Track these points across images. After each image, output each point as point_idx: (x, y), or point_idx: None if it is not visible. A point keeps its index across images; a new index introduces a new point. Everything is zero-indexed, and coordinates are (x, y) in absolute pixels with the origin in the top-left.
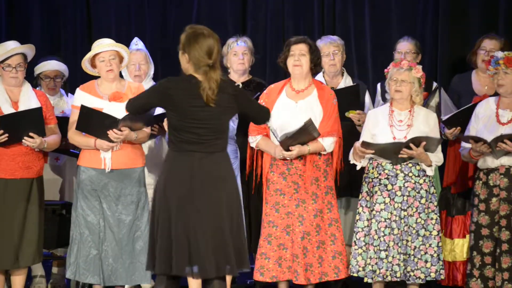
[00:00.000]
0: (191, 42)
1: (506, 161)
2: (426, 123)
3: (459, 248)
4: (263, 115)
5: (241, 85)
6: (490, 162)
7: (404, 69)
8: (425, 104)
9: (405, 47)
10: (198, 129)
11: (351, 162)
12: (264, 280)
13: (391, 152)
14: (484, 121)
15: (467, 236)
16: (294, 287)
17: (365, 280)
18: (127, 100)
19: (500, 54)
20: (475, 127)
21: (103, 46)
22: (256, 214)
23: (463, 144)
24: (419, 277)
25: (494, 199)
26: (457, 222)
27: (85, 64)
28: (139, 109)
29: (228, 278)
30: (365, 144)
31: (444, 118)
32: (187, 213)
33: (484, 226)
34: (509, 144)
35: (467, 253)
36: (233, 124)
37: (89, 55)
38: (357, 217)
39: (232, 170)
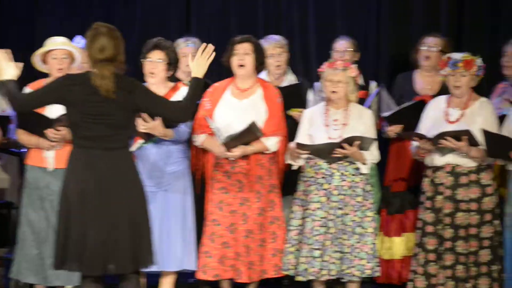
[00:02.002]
0: (88, 39)
1: (451, 159)
2: (361, 121)
3: (396, 246)
4: (175, 114)
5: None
6: (437, 160)
7: (340, 69)
8: (367, 105)
9: (343, 45)
10: (95, 125)
11: (287, 162)
12: (207, 278)
13: (325, 152)
14: (433, 120)
15: (404, 234)
16: (238, 286)
17: (297, 278)
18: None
19: (457, 56)
20: (424, 125)
21: (57, 44)
22: (200, 212)
23: (413, 142)
24: (355, 275)
25: (439, 197)
26: (395, 221)
27: (36, 58)
28: (34, 107)
29: (173, 277)
30: (299, 146)
31: (385, 114)
32: (84, 210)
33: (429, 224)
34: (451, 141)
35: (404, 251)
36: (186, 127)
37: (42, 50)
38: (291, 215)
39: (133, 168)
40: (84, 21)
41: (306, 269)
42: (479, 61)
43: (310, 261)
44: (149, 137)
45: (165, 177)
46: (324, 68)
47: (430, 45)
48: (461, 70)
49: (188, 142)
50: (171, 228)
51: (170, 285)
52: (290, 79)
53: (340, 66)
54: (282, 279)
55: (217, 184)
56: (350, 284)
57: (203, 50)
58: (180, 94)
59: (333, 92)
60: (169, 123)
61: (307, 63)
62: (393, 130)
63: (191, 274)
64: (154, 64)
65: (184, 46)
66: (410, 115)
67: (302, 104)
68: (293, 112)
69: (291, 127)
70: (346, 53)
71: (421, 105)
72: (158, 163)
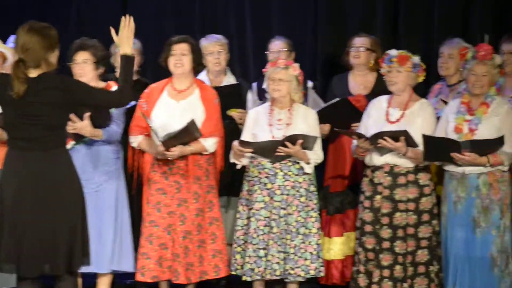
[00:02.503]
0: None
1: (390, 159)
2: (305, 121)
3: (337, 246)
4: (116, 99)
5: None
6: (376, 160)
7: (281, 67)
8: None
9: (277, 46)
10: (30, 126)
11: (231, 161)
12: (145, 280)
13: (268, 150)
14: (375, 119)
15: (345, 234)
16: (177, 286)
17: (243, 278)
18: None
19: (394, 52)
20: (365, 124)
21: None
22: (138, 214)
23: (354, 141)
24: (299, 275)
25: (377, 197)
26: (335, 221)
27: None
28: None
29: (108, 278)
30: (243, 143)
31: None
32: (20, 212)
33: (368, 223)
34: (388, 141)
35: (346, 250)
36: (117, 127)
37: None
38: (237, 215)
39: (71, 168)
40: (19, 21)
41: (252, 269)
42: (415, 58)
43: (255, 261)
44: (79, 138)
45: (97, 178)
46: (268, 68)
47: (357, 46)
48: (396, 66)
49: (122, 143)
50: (103, 229)
51: (106, 286)
52: (229, 79)
53: (282, 65)
54: (220, 279)
55: (155, 185)
56: (290, 285)
57: (125, 24)
58: None
59: (275, 90)
60: (98, 124)
61: (244, 64)
62: (320, 129)
63: (130, 275)
64: (80, 66)
65: None
66: (336, 113)
67: (242, 105)
68: (233, 113)
69: (231, 127)
70: (281, 53)
71: (344, 103)
72: (89, 164)
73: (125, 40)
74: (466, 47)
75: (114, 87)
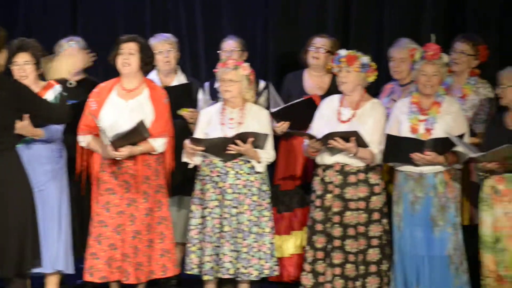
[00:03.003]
0: None
1: (341, 158)
2: (257, 120)
3: (285, 244)
4: (56, 115)
5: (75, 84)
6: (327, 159)
7: (231, 68)
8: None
9: (230, 45)
10: None
11: (183, 160)
12: (93, 280)
13: (219, 148)
14: (326, 119)
15: (293, 232)
16: (128, 286)
17: (205, 278)
18: None
19: (343, 52)
20: (317, 123)
21: None
22: (88, 214)
23: (305, 140)
24: (252, 274)
25: (328, 196)
26: (283, 219)
27: None
28: None
29: (56, 278)
30: (194, 141)
31: (273, 111)
32: None
33: (318, 222)
34: (339, 142)
35: (293, 249)
36: (58, 125)
37: None
38: (191, 215)
39: (21, 169)
40: None
41: (212, 267)
42: (364, 58)
43: (214, 259)
44: (20, 138)
45: (39, 177)
46: (218, 68)
47: (317, 46)
48: (344, 65)
49: (64, 142)
50: (47, 229)
51: (54, 286)
52: (180, 78)
53: (231, 65)
54: (170, 279)
55: (104, 185)
56: (241, 284)
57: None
58: (53, 92)
59: (226, 91)
60: (38, 123)
61: (195, 63)
62: (280, 126)
63: (79, 275)
64: (22, 68)
65: (67, 46)
66: (297, 112)
67: (192, 104)
68: (184, 112)
69: (182, 126)
70: (234, 52)
71: (309, 102)
72: (32, 164)
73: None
74: (415, 48)
75: (55, 86)
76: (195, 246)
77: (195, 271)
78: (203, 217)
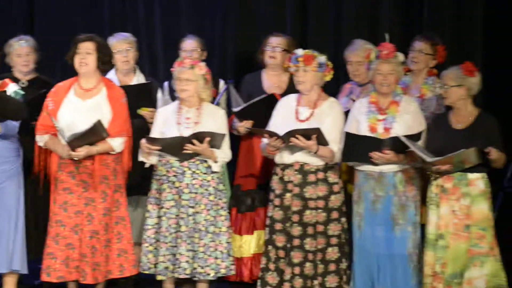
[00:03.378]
0: None
1: (300, 157)
2: (213, 119)
3: (247, 244)
4: (12, 109)
5: (27, 83)
6: (286, 158)
7: (187, 67)
8: (216, 103)
9: (190, 45)
10: None
11: (140, 159)
12: (51, 280)
13: (176, 147)
14: (284, 117)
15: (255, 232)
16: (86, 286)
17: (158, 278)
18: None
19: (299, 52)
20: (275, 123)
21: None
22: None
23: (263, 139)
24: (209, 274)
25: (288, 195)
26: (245, 219)
27: None
28: None
29: (13, 278)
30: (150, 140)
31: (235, 110)
32: None
33: (278, 221)
34: (301, 140)
35: (255, 248)
36: (15, 122)
37: None
38: (147, 214)
39: None
40: None
41: (167, 267)
42: (321, 58)
43: (169, 259)
44: None
45: None
46: (175, 67)
47: (273, 46)
48: (302, 65)
49: (21, 141)
50: (3, 229)
51: (11, 286)
52: (139, 78)
53: (187, 65)
54: (129, 279)
55: (61, 185)
56: (200, 284)
57: None
58: (9, 90)
59: (183, 90)
60: None
61: (154, 62)
62: (243, 125)
63: (36, 275)
64: None
65: (18, 46)
66: (260, 110)
67: (152, 104)
68: (143, 112)
69: (141, 126)
70: (194, 52)
71: (271, 99)
72: None
73: None
74: (371, 49)
75: (11, 84)
76: (152, 245)
77: (151, 271)
78: (159, 217)
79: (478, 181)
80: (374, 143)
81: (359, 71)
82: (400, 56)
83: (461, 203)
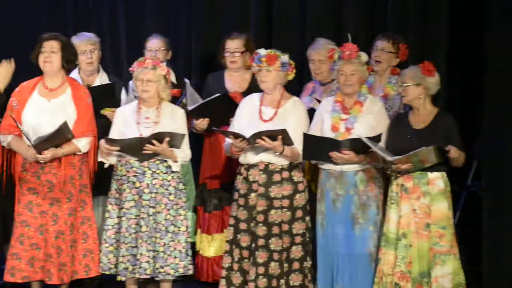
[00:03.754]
0: None
1: (265, 157)
2: (173, 119)
3: (218, 243)
4: None
5: None
6: (250, 158)
7: (149, 68)
8: (179, 102)
9: (155, 44)
10: None
11: (99, 160)
12: (15, 280)
13: (135, 148)
14: (247, 117)
15: (225, 230)
16: (50, 287)
17: (118, 278)
18: None
19: (262, 51)
20: (238, 123)
21: None
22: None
23: (227, 139)
24: (169, 273)
25: (252, 195)
26: (214, 218)
27: None
28: None
29: None
30: (109, 141)
31: (190, 108)
32: None
33: (242, 221)
34: (266, 141)
35: (224, 248)
36: None
37: None
38: (107, 215)
39: None
40: None
41: (126, 268)
42: (284, 57)
43: (129, 260)
44: None
45: None
46: (135, 67)
47: (231, 51)
48: (265, 65)
49: None
50: None
51: None
52: (102, 78)
53: (150, 65)
54: (94, 279)
55: (26, 185)
56: (163, 284)
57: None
58: None
59: (144, 91)
60: None
61: (118, 62)
62: (199, 124)
63: (1, 276)
64: None
65: None
66: (215, 108)
67: (115, 104)
68: (107, 112)
69: (105, 126)
70: (158, 52)
71: (225, 98)
72: None
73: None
74: (334, 49)
75: None
76: (112, 246)
77: (112, 271)
78: (119, 217)
79: (437, 180)
80: (332, 144)
81: (321, 69)
82: (363, 56)
83: (421, 202)
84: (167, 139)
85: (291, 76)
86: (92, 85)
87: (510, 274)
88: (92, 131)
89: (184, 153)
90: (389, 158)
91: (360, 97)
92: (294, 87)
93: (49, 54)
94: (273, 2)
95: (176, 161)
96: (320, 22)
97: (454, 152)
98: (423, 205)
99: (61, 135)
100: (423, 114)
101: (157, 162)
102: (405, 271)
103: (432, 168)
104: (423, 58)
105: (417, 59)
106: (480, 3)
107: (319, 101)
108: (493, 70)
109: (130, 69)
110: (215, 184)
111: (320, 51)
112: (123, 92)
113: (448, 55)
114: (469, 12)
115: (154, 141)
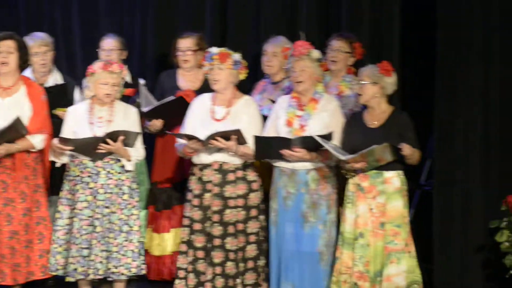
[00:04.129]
0: None
1: (219, 157)
2: (126, 118)
3: (165, 242)
4: None
5: None
6: (204, 158)
7: (117, 72)
8: (133, 102)
9: (109, 44)
10: None
11: (50, 159)
12: None
13: (89, 147)
14: (200, 117)
15: (173, 230)
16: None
17: (67, 279)
18: None
19: (214, 50)
20: (191, 123)
21: None
22: None
23: (179, 139)
24: (123, 273)
25: (207, 195)
26: (163, 217)
27: None
28: None
29: None
30: (63, 140)
31: (145, 110)
32: None
33: (197, 221)
34: (221, 141)
35: (174, 246)
36: None
37: None
38: (58, 215)
39: None
40: None
41: (76, 269)
42: (236, 55)
43: (79, 261)
44: None
45: None
46: (97, 70)
47: (183, 50)
48: (217, 63)
49: None
50: None
51: None
52: (55, 77)
53: (116, 69)
54: (48, 279)
55: None
56: (117, 284)
57: None
58: None
59: (109, 95)
60: None
61: (71, 61)
62: (153, 125)
63: None
64: None
65: None
66: (170, 110)
67: (69, 104)
68: (59, 112)
69: (58, 126)
70: (113, 51)
71: (180, 101)
72: None
73: None
74: (289, 47)
75: None
76: (61, 247)
77: (60, 272)
78: (70, 218)
79: (393, 178)
80: (283, 142)
81: (271, 62)
82: (315, 53)
83: (377, 201)
84: (121, 137)
85: (243, 76)
86: (45, 85)
87: (460, 271)
88: (47, 128)
89: (138, 151)
90: (342, 157)
91: (316, 95)
92: (248, 89)
93: (6, 55)
94: (227, 1)
95: (130, 160)
96: (274, 22)
97: (407, 150)
98: (379, 204)
99: (14, 130)
100: (378, 113)
101: (111, 162)
102: (363, 271)
103: (388, 167)
104: (378, 58)
105: (371, 58)
106: (432, 2)
107: (273, 102)
108: (442, 70)
109: (91, 70)
110: (166, 183)
111: (276, 45)
112: (77, 91)
113: (401, 55)
114: (422, 8)
115: (109, 140)
